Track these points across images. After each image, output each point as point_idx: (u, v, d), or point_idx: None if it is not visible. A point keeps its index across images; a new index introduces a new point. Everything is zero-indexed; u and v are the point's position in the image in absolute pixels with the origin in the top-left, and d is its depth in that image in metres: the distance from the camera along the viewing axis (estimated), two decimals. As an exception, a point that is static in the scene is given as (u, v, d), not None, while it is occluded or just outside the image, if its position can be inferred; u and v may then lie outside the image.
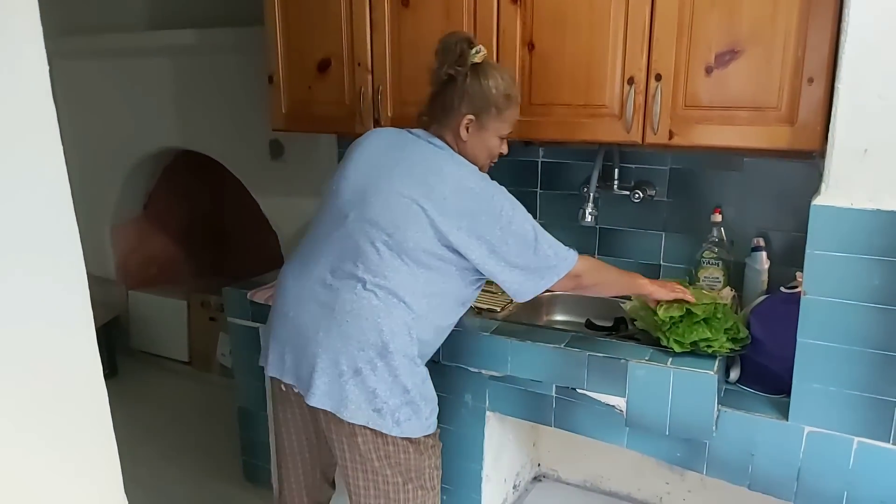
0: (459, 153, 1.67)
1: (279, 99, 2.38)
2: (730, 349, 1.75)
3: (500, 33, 1.95)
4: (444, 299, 1.65)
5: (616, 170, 2.21)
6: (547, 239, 1.64)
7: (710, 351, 1.74)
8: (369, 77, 2.18)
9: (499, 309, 2.12)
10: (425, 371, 1.66)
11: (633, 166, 2.22)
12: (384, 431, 1.57)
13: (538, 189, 2.39)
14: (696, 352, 1.76)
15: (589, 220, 2.10)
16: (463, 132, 1.65)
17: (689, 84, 1.76)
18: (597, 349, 1.81)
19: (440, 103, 1.67)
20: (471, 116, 1.64)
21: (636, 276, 1.83)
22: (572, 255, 1.67)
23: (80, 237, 1.03)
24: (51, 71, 0.95)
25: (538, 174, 2.38)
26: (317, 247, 1.68)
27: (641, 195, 2.16)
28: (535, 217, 2.33)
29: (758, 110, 1.70)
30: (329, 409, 1.58)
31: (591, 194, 2.08)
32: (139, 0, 3.17)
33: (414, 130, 1.71)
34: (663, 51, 1.76)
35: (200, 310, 3.55)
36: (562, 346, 1.84)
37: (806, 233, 1.54)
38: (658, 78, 1.78)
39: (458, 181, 1.58)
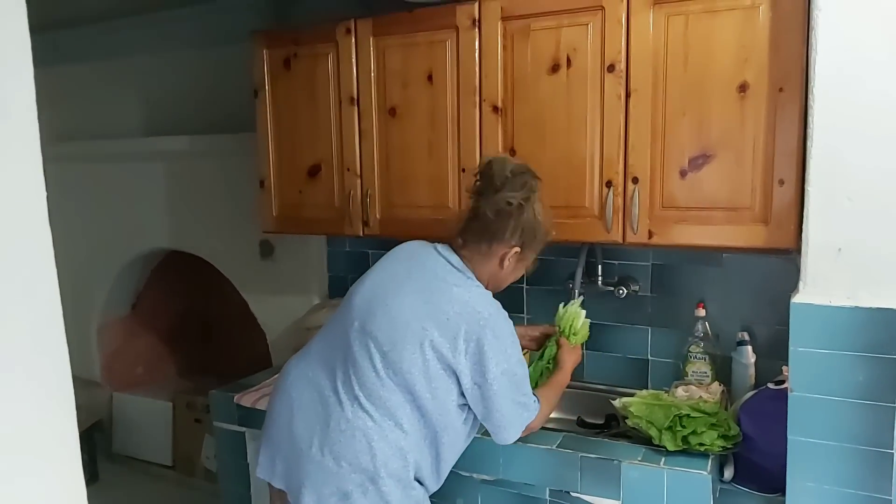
0: (487, 277, 1.64)
1: (270, 202, 2.44)
2: (722, 447, 1.74)
3: (482, 140, 2.04)
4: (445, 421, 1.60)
5: (599, 266, 2.25)
6: (527, 386, 1.63)
7: (702, 449, 1.73)
8: (358, 181, 2.25)
9: (489, 408, 2.10)
10: (421, 495, 1.59)
11: (616, 262, 2.27)
12: None
13: (524, 285, 2.42)
14: (688, 450, 1.74)
15: (574, 317, 2.12)
16: (506, 262, 1.63)
17: (665, 186, 1.83)
18: (589, 449, 1.79)
19: (489, 230, 1.60)
20: (517, 249, 1.61)
21: (558, 378, 1.80)
22: (535, 407, 1.64)
23: (67, 338, 1.03)
24: (46, 175, 0.97)
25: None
26: (322, 352, 1.67)
27: (626, 291, 2.19)
28: (523, 312, 2.41)
29: (732, 210, 1.76)
30: None
31: (576, 291, 2.12)
32: (135, 109, 3.29)
33: (440, 248, 1.66)
34: (639, 155, 1.84)
35: (185, 411, 3.48)
36: (553, 446, 1.82)
37: (788, 326, 1.57)
38: (635, 181, 1.85)
39: (466, 302, 1.54)
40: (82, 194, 3.44)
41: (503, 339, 1.56)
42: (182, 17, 2.96)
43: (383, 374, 1.54)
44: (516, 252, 1.63)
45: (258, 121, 2.40)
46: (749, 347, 2.05)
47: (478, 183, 1.65)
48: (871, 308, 1.48)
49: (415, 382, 1.53)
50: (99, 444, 3.55)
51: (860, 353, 1.49)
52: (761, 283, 2.09)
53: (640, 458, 1.74)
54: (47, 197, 0.97)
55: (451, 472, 1.92)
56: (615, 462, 1.73)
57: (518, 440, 1.66)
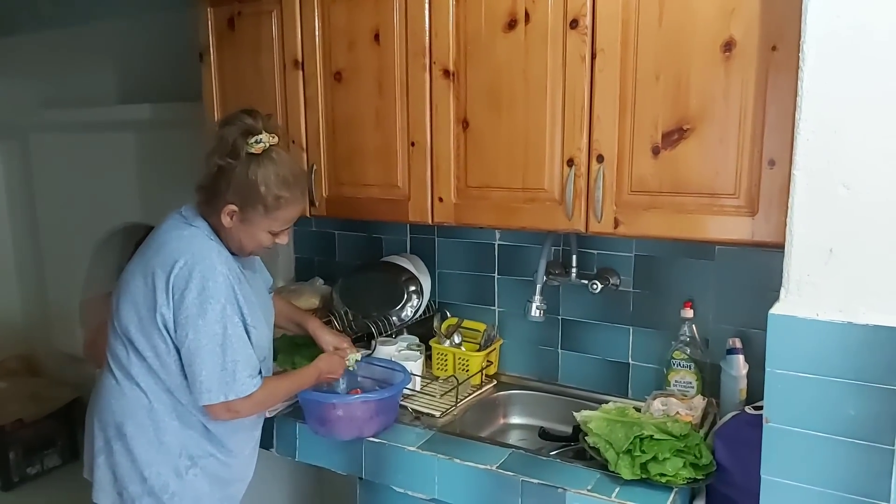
0: (223, 234, 1.57)
1: (218, 177, 2.23)
2: (688, 479, 1.46)
3: (433, 109, 1.77)
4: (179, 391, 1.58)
5: (574, 256, 1.97)
6: (241, 356, 1.51)
7: (663, 480, 1.46)
8: (304, 155, 2.01)
9: (438, 414, 1.86)
10: (186, 467, 1.59)
11: (595, 252, 1.98)
12: None
13: (495, 274, 2.16)
14: (648, 480, 1.48)
15: (536, 314, 1.86)
16: (225, 219, 1.54)
17: (634, 166, 1.53)
18: (533, 473, 1.54)
19: (211, 186, 1.55)
20: (234, 207, 1.53)
21: (297, 374, 1.70)
22: (247, 387, 1.51)
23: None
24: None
25: (495, 258, 2.15)
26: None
27: (600, 285, 1.90)
28: (494, 304, 2.14)
29: (712, 196, 1.47)
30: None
31: (538, 286, 1.84)
32: (111, 76, 3.11)
33: (185, 207, 1.62)
34: (605, 129, 1.55)
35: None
36: (494, 467, 1.57)
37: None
38: (600, 159, 1.56)
39: (171, 251, 1.51)
40: (64, 164, 3.31)
41: (206, 293, 1.48)
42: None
43: (121, 335, 1.57)
44: (233, 210, 1.53)
45: (204, 88, 2.18)
46: (741, 357, 1.74)
47: None
48: (867, 325, 1.17)
49: (134, 340, 1.54)
50: (80, 420, 3.45)
51: (853, 380, 1.19)
52: (759, 281, 1.76)
53: (589, 488, 1.48)
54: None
55: (384, 486, 1.72)
56: (560, 490, 1.48)
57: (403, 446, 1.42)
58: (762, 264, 1.76)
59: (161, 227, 1.61)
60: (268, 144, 1.51)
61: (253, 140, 1.49)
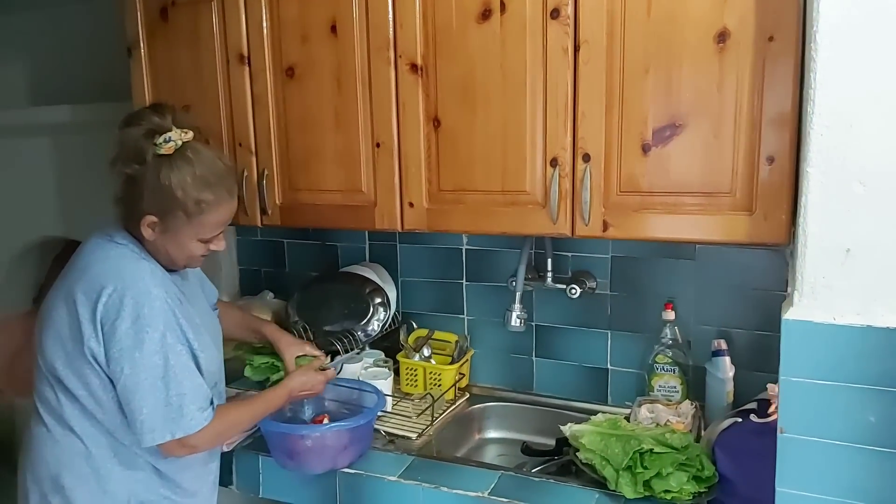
0: (150, 248, 1.40)
1: (153, 185, 2.01)
2: (693, 493, 1.39)
3: (399, 107, 1.63)
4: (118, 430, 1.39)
5: (549, 259, 1.87)
6: (187, 388, 1.33)
7: (668, 497, 1.38)
8: (253, 159, 1.83)
9: (415, 436, 1.73)
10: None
11: (570, 254, 1.89)
12: None
13: (464, 281, 2.04)
14: (652, 498, 1.40)
15: (516, 324, 1.76)
16: (146, 232, 1.37)
17: (623, 165, 1.44)
18: (527, 497, 1.44)
19: (124, 197, 1.38)
20: (152, 218, 1.35)
21: (263, 397, 1.52)
22: (197, 422, 1.33)
23: None
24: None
25: (463, 263, 2.03)
26: None
27: (578, 290, 1.82)
28: (463, 312, 2.03)
29: (707, 196, 1.39)
30: None
31: (518, 294, 1.74)
32: (19, 74, 2.80)
33: (109, 226, 1.43)
34: (590, 126, 1.45)
35: (96, 418, 3.08)
36: (485, 493, 1.46)
37: (774, 331, 1.22)
38: (586, 158, 1.46)
39: (96, 275, 1.33)
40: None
41: (141, 321, 1.31)
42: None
43: (47, 375, 1.38)
44: (153, 221, 1.35)
45: (134, 86, 1.96)
46: (727, 359, 1.69)
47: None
48: (887, 328, 1.11)
49: (63, 378, 1.36)
50: (-2, 457, 3.13)
51: (872, 386, 1.13)
52: (741, 280, 1.73)
53: (590, 510, 1.39)
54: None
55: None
56: (559, 515, 1.38)
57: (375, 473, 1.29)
58: (743, 262, 1.72)
59: (84, 247, 1.43)
60: (180, 142, 1.33)
61: (161, 140, 1.31)
